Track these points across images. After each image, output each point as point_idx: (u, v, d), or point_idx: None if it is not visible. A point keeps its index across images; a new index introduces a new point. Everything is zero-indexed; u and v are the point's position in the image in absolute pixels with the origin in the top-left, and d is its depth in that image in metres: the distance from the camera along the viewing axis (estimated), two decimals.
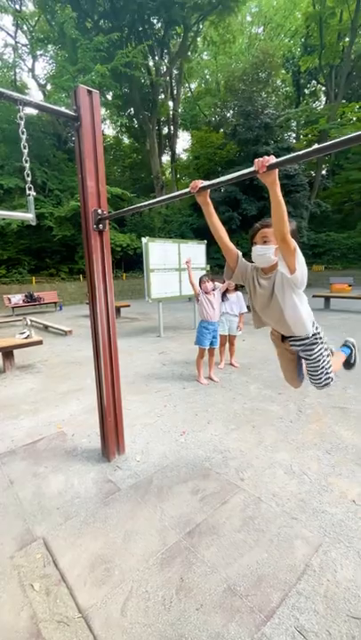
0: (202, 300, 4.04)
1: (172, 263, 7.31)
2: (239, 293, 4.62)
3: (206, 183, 1.52)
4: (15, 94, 1.81)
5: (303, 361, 2.00)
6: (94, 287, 2.23)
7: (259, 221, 1.67)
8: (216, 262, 15.65)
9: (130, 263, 19.04)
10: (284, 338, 1.88)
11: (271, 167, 1.26)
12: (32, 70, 20.59)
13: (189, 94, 28.51)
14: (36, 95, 21.02)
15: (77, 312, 11.88)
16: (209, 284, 4.00)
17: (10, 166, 15.65)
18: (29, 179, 1.87)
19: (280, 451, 2.55)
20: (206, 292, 4.02)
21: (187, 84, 27.50)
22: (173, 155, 25.55)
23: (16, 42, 19.46)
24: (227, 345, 4.76)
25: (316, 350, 1.81)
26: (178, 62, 21.97)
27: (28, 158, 1.87)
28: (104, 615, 1.37)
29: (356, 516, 1.84)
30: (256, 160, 1.28)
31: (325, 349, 1.86)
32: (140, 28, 19.43)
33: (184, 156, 29.43)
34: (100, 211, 2.13)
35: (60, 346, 6.51)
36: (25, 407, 3.58)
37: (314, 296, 10.61)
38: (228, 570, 1.54)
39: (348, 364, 2.33)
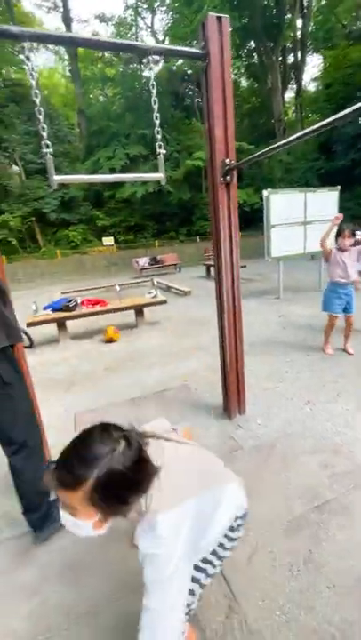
0: (334, 257, 3.47)
1: (296, 217, 6.53)
2: (359, 248, 3.53)
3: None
4: (144, 44, 1.76)
5: None
6: (220, 245, 2.15)
7: None
8: (349, 212, 13.31)
9: (245, 221, 18.15)
10: None
11: None
12: (151, 27, 20.50)
13: (323, 1, 23.13)
14: None
15: (194, 273, 12.26)
16: (347, 241, 3.37)
17: (135, 135, 16.51)
18: (159, 136, 1.83)
19: None
20: (342, 249, 3.42)
21: None
22: (299, 88, 21.94)
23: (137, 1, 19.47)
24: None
25: None
26: None
27: (158, 114, 1.82)
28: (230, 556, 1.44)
29: None
30: None
31: None
32: None
33: (312, 88, 24.93)
34: (228, 160, 1.96)
35: (182, 306, 6.91)
36: (154, 359, 3.99)
37: None
38: None
39: None
